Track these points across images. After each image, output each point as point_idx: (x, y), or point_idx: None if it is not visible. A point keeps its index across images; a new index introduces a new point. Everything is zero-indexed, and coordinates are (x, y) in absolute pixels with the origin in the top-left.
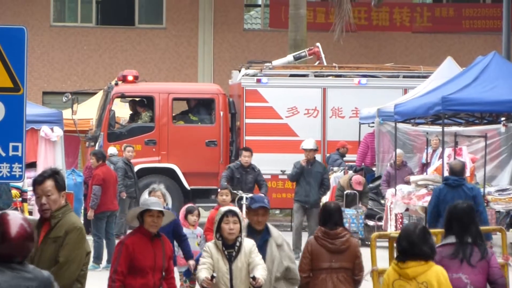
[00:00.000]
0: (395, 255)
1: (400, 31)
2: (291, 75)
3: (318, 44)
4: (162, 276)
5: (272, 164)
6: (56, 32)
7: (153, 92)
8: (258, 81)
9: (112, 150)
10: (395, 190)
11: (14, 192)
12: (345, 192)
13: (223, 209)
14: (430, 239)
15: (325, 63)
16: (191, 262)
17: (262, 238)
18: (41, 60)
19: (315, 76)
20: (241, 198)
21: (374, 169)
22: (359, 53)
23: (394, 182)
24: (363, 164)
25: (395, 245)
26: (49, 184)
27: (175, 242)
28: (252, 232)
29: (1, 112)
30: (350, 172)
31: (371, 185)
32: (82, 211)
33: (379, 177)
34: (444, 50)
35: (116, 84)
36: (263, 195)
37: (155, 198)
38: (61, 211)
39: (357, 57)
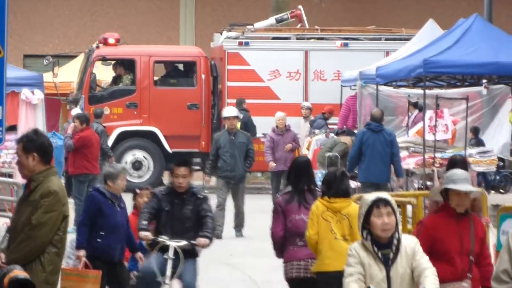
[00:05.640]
0: None
1: None
2: (273, 38)
3: (300, 6)
4: (471, 261)
5: None
6: None
7: (135, 55)
8: (240, 43)
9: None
10: None
11: None
12: (326, 155)
13: (371, 197)
14: (347, 180)
15: (307, 26)
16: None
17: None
18: (22, 24)
19: (297, 38)
20: None
21: (355, 131)
22: (342, 17)
23: (277, 147)
24: (344, 126)
25: None
26: (18, 146)
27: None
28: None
29: None
30: (332, 135)
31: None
32: (64, 174)
33: None
34: (427, 13)
35: (97, 47)
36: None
37: (462, 173)
38: (42, 174)
39: (340, 20)
